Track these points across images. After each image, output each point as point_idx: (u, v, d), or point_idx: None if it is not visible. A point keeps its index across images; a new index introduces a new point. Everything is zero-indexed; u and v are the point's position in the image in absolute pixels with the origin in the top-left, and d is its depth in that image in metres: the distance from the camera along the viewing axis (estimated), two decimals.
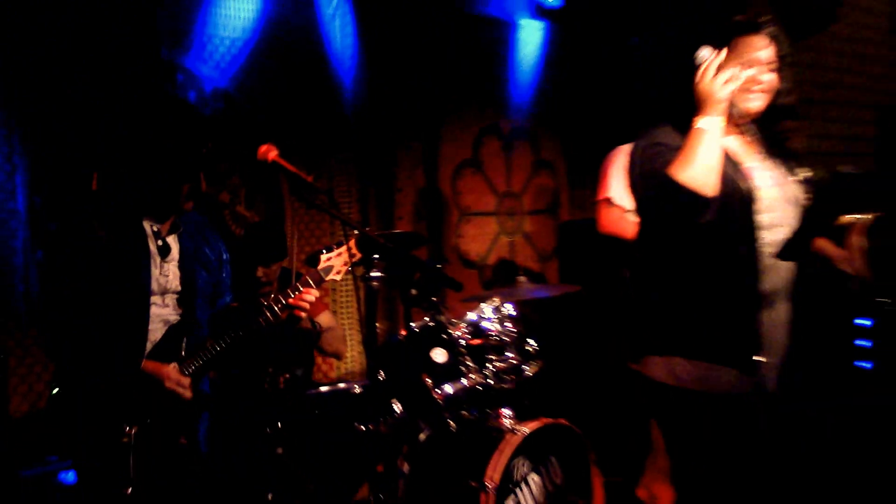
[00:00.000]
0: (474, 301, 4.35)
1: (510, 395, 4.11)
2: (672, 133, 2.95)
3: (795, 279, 3.07)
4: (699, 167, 2.78)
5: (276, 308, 3.11)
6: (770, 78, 2.97)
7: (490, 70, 5.31)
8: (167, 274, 3.04)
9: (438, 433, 3.88)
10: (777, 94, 3.00)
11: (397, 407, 3.88)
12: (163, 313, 3.03)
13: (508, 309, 4.22)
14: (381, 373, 3.93)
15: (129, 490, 2.82)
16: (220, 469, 3.52)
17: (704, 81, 2.83)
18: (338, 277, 3.29)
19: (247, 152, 4.23)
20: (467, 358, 4.04)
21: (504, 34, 5.38)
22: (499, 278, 5.27)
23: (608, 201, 4.60)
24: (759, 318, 2.98)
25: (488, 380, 4.06)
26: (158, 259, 3.02)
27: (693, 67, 2.91)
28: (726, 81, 2.82)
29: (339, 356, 4.51)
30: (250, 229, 4.39)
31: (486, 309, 4.18)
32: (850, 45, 7.05)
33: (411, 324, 4.07)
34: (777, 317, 3.02)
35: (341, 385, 4.06)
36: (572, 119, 5.73)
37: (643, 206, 3.04)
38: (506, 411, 4.05)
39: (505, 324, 4.16)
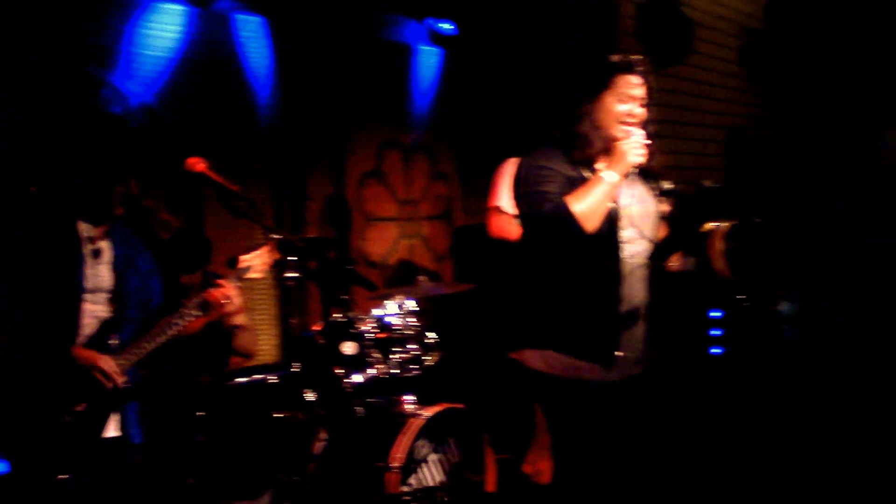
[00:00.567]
0: (379, 299, 4.32)
1: (413, 383, 4.10)
2: (556, 158, 3.04)
3: (651, 285, 3.19)
4: (592, 208, 2.91)
5: (197, 306, 3.02)
6: (641, 112, 3.06)
7: (392, 90, 5.29)
8: (100, 274, 2.94)
9: (348, 419, 3.83)
10: (644, 125, 3.08)
11: (311, 396, 3.83)
12: (95, 310, 2.93)
13: (410, 305, 4.21)
14: (297, 365, 3.88)
15: (65, 476, 2.71)
16: (145, 456, 3.40)
17: (624, 145, 2.95)
18: (257, 276, 3.23)
19: (172, 162, 4.12)
20: (374, 350, 4.03)
21: (405, 58, 5.37)
22: (399, 277, 5.24)
23: (498, 209, 4.63)
24: (619, 319, 3.08)
25: (393, 370, 4.05)
26: (91, 259, 2.91)
27: (577, 100, 3.05)
28: (639, 149, 2.95)
29: (250, 355, 4.40)
30: (175, 235, 4.27)
31: (391, 305, 4.17)
32: (704, 73, 7.25)
33: (323, 320, 4.03)
34: (635, 318, 3.13)
35: (258, 376, 3.97)
36: (465, 134, 5.75)
37: (529, 220, 3.09)
38: (409, 398, 4.05)
39: (408, 319, 4.16)
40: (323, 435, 3.83)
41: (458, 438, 4.02)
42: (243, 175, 4.31)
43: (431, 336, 4.23)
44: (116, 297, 2.96)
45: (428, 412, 3.89)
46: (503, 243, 4.63)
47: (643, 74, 3.08)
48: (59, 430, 2.77)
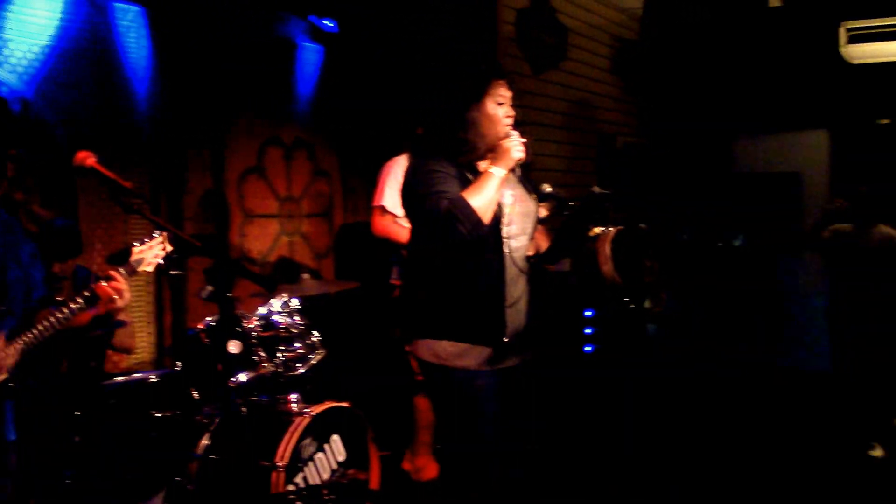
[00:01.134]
0: (262, 296, 4.30)
1: (298, 381, 4.10)
2: (442, 160, 3.25)
3: (531, 279, 3.43)
4: (486, 201, 3.15)
5: (86, 300, 2.95)
6: (513, 113, 3.33)
7: (274, 86, 5.26)
8: None
9: (233, 418, 3.80)
10: (517, 125, 3.34)
11: (194, 395, 3.78)
12: None
13: (294, 303, 4.21)
14: (179, 363, 3.83)
15: None
16: (21, 456, 3.29)
17: (507, 143, 3.20)
18: (149, 269, 3.16)
19: (46, 154, 4.00)
20: (259, 349, 4.01)
21: (287, 54, 5.34)
22: (279, 275, 5.21)
23: (382, 209, 4.69)
24: (504, 308, 3.29)
25: (278, 368, 4.04)
26: None
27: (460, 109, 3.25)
28: (518, 145, 3.20)
29: (128, 351, 4.32)
30: (45, 227, 4.13)
31: (275, 303, 4.16)
32: (578, 79, 7.49)
33: (208, 318, 3.99)
34: (518, 307, 3.35)
35: (137, 375, 3.90)
36: (346, 132, 5.77)
37: (427, 218, 3.22)
38: (294, 396, 4.04)
39: (293, 317, 4.15)
40: (206, 435, 3.78)
41: (344, 436, 4.04)
42: (121, 168, 4.22)
43: (316, 334, 4.24)
44: None
45: (313, 411, 3.89)
46: (387, 242, 4.69)
47: (510, 80, 3.36)
48: None
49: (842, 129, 8.18)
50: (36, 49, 4.06)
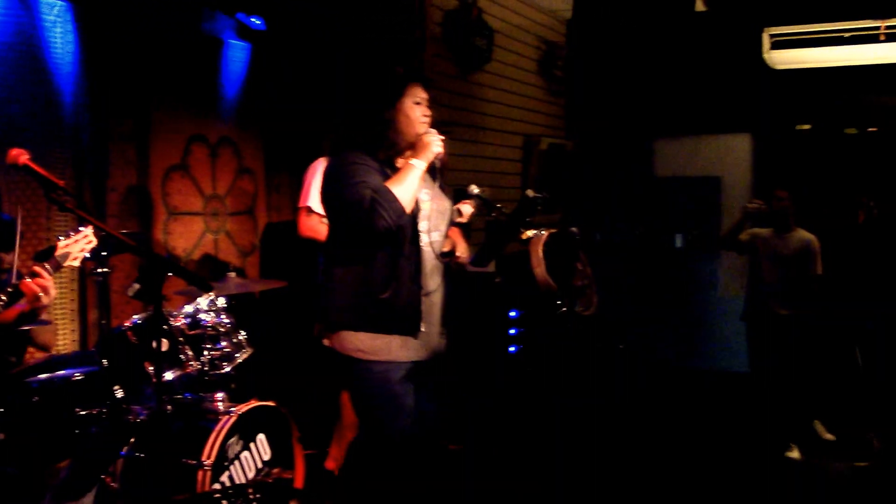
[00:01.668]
0: (189, 294, 4.39)
1: (224, 380, 4.19)
2: (363, 156, 3.48)
3: (446, 274, 3.67)
4: (408, 191, 3.40)
5: (10, 296, 3.02)
6: (430, 112, 3.59)
7: (200, 83, 5.34)
8: None
9: (158, 417, 3.88)
10: (434, 124, 3.61)
11: (119, 393, 3.85)
12: None
13: (221, 302, 4.31)
14: (105, 361, 3.89)
15: None
16: None
17: (427, 138, 3.46)
18: (75, 264, 3.23)
19: None
20: (186, 347, 4.08)
21: (214, 51, 5.43)
22: (204, 272, 5.30)
23: (308, 209, 4.81)
24: (421, 299, 3.53)
25: (204, 367, 4.12)
26: None
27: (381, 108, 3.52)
28: (437, 140, 3.46)
29: (48, 348, 4.36)
30: None
31: (202, 301, 4.24)
32: (505, 81, 7.68)
33: (135, 315, 4.06)
34: (433, 300, 3.60)
35: (61, 373, 3.94)
36: (271, 131, 5.88)
37: (345, 208, 3.43)
38: (220, 395, 4.14)
39: (219, 315, 4.24)
40: (132, 433, 3.86)
41: (269, 435, 4.15)
42: (44, 164, 4.26)
43: (242, 333, 4.34)
44: None
45: (239, 409, 3.99)
46: (313, 242, 4.81)
47: (426, 82, 3.63)
48: None
49: (764, 133, 8.54)
50: None
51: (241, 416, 3.98)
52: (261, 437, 4.13)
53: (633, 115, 8.74)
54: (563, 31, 8.88)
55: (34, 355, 4.22)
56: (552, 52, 8.54)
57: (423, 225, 3.56)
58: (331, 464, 5.01)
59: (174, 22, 5.07)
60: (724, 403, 7.27)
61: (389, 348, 3.51)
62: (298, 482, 4.24)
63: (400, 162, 3.54)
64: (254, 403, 4.10)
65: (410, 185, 3.41)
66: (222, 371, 4.18)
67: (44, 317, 4.09)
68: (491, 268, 5.49)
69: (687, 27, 8.45)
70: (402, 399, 3.55)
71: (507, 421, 5.87)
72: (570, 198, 8.52)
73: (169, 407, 3.97)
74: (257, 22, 5.53)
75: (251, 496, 3.95)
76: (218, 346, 4.18)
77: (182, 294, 4.44)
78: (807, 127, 8.71)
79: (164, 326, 3.97)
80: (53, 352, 4.43)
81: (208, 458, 3.78)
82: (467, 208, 4.18)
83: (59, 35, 4.47)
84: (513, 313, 6.39)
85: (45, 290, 3.09)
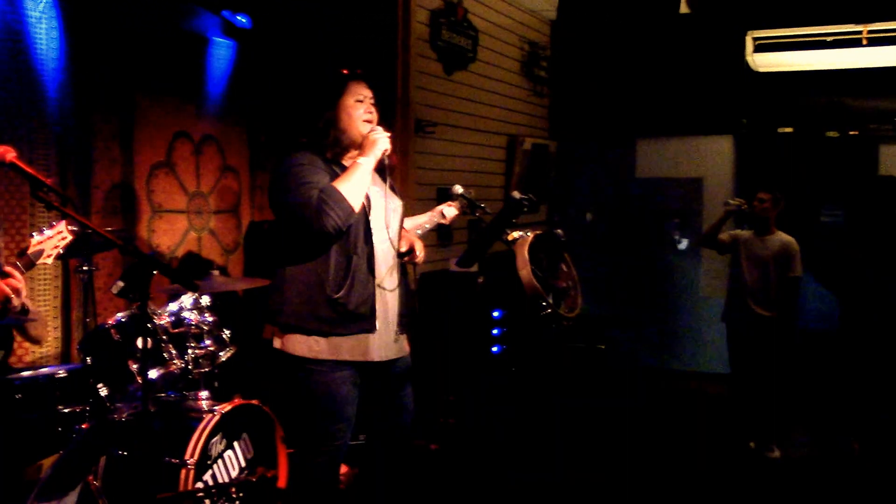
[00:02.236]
0: (170, 292, 4.41)
1: (208, 379, 4.22)
2: (311, 156, 3.56)
3: (401, 271, 3.76)
4: (355, 189, 3.46)
5: None
6: (373, 111, 3.67)
7: (186, 81, 5.36)
8: None
9: (142, 415, 3.90)
10: (379, 122, 3.69)
11: (103, 391, 3.88)
12: None
13: (205, 300, 4.34)
14: (88, 358, 3.91)
15: None
16: None
17: (372, 135, 3.54)
18: (49, 261, 3.22)
19: None
20: (169, 345, 4.11)
21: (199, 49, 5.44)
22: (188, 270, 5.32)
23: None
24: (376, 298, 3.59)
25: (188, 365, 4.15)
26: None
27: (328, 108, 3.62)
28: (384, 137, 3.53)
29: (39, 341, 4.37)
30: None
31: (186, 300, 4.27)
32: (488, 80, 7.73)
33: (119, 313, 4.08)
34: (387, 299, 3.65)
35: (44, 370, 3.96)
36: (256, 129, 5.91)
37: (293, 209, 3.48)
38: (204, 394, 4.18)
39: (203, 314, 4.27)
40: (114, 432, 3.88)
41: (253, 434, 4.19)
42: (29, 160, 4.28)
43: (226, 331, 4.37)
44: None
45: (223, 408, 4.02)
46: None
47: (368, 82, 3.71)
48: None
49: (746, 135, 8.63)
50: None
51: (225, 415, 4.00)
52: (244, 436, 4.16)
53: (617, 115, 8.81)
54: (548, 32, 8.95)
55: (28, 349, 4.23)
56: (536, 52, 8.61)
57: (375, 223, 3.62)
58: None
59: (160, 19, 5.09)
60: (703, 404, 7.36)
61: (339, 350, 3.56)
62: (282, 481, 4.28)
63: (347, 160, 3.60)
64: (237, 402, 4.13)
65: (358, 184, 3.45)
66: (206, 370, 4.21)
67: (31, 310, 4.12)
68: (475, 268, 5.54)
69: (671, 29, 8.54)
70: (343, 406, 3.61)
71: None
72: (552, 198, 8.59)
73: (152, 405, 3.98)
74: (243, 20, 5.55)
75: (234, 495, 4.00)
76: (202, 345, 4.22)
77: (166, 292, 4.46)
78: (789, 130, 8.80)
79: (148, 325, 3.99)
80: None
81: (191, 456, 3.80)
82: (451, 210, 4.24)
83: (44, 31, 4.47)
84: (496, 313, 6.45)
85: (16, 291, 3.09)
